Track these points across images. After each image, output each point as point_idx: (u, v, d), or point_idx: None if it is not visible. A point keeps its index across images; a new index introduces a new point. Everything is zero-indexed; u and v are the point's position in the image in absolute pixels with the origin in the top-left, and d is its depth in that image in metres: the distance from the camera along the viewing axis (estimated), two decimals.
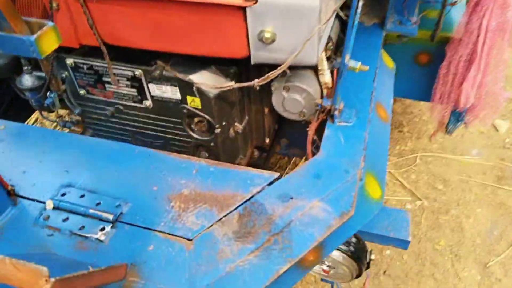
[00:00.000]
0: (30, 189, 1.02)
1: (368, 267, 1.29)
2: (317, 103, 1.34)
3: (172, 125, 1.40)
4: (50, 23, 0.76)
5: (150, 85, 1.29)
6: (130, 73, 1.28)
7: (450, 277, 2.09)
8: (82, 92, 1.40)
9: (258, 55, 1.09)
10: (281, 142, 1.76)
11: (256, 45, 1.05)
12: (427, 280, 2.08)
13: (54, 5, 1.12)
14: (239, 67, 1.27)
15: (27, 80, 1.49)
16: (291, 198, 0.98)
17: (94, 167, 1.07)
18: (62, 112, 1.88)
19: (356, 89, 1.28)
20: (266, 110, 1.50)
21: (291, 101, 1.35)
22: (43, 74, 1.37)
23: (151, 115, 1.39)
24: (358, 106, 1.23)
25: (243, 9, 0.98)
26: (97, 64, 1.29)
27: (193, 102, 1.29)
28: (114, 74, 1.26)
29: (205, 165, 1.06)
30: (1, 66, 1.48)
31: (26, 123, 1.94)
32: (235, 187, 1.00)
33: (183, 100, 1.30)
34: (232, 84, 1.15)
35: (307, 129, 1.36)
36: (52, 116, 1.73)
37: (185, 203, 0.97)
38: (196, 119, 1.37)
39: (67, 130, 1.57)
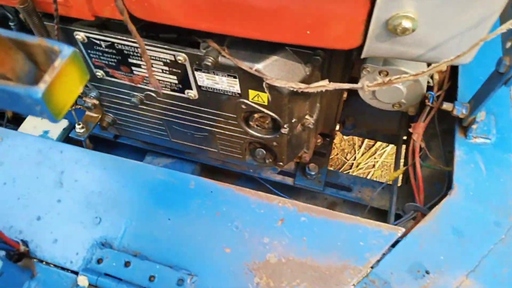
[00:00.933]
0: (51, 248, 0.73)
1: None
2: (425, 95, 0.98)
3: (222, 119, 1.05)
4: (66, 50, 0.39)
5: (197, 73, 0.92)
6: (168, 57, 0.90)
7: None
8: (99, 73, 1.03)
9: (377, 48, 0.71)
10: (346, 121, 1.42)
11: (379, 34, 0.68)
12: None
13: None
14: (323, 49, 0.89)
15: None
16: (427, 273, 0.69)
17: (137, 212, 0.76)
18: None
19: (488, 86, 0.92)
20: (345, 95, 1.14)
21: (389, 89, 0.99)
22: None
23: (195, 107, 1.04)
24: (495, 112, 0.87)
25: None
26: (122, 42, 0.90)
27: (257, 97, 0.93)
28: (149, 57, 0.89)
29: (293, 212, 0.75)
30: None
31: None
32: (343, 252, 0.71)
33: (243, 95, 0.94)
34: (324, 85, 0.79)
35: (410, 130, 1.02)
36: None
37: (275, 279, 0.68)
38: (256, 115, 1.03)
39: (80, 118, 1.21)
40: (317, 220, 0.74)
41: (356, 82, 1.01)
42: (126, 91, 1.06)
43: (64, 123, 1.39)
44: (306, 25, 0.69)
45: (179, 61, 0.89)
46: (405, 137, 1.33)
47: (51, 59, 0.42)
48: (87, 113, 1.19)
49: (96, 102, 1.14)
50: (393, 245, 0.73)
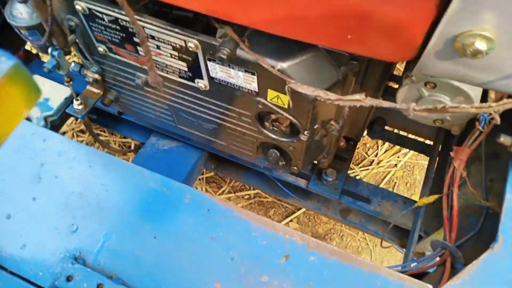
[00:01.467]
0: (18, 254, 0.63)
1: None
2: (476, 116, 0.83)
3: (235, 114, 0.92)
4: (2, 61, 0.27)
5: (210, 63, 0.78)
6: (178, 42, 0.76)
7: None
8: (101, 48, 0.90)
9: (434, 66, 0.56)
10: (375, 124, 1.27)
11: (440, 51, 0.53)
12: None
13: None
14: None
15: (20, 13, 0.99)
16: None
17: (120, 223, 0.66)
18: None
19: None
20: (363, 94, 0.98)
21: (433, 103, 0.84)
22: None
23: (205, 98, 0.91)
24: None
25: None
26: (125, 18, 0.77)
27: (277, 99, 0.80)
28: (148, 37, 0.76)
29: (301, 249, 0.63)
30: None
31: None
32: None
33: (261, 93, 0.80)
34: (359, 99, 0.65)
35: (452, 154, 0.87)
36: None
37: None
38: (273, 116, 0.89)
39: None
40: (329, 263, 0.62)
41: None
42: (130, 70, 0.94)
43: (67, 91, 1.28)
44: (348, 27, 0.55)
45: (190, 48, 0.75)
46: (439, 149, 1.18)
47: None
48: (88, 87, 1.08)
49: (98, 77, 1.02)
50: None
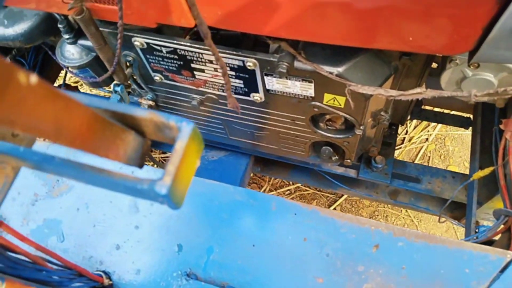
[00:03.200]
0: (135, 279, 0.70)
1: None
2: None
3: (289, 120, 0.98)
4: (185, 127, 0.33)
5: (267, 77, 0.84)
6: (237, 63, 0.82)
7: None
8: (157, 77, 0.96)
9: (493, 55, 0.61)
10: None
11: (500, 41, 0.57)
12: None
13: None
14: None
15: (72, 54, 1.06)
16: None
17: (219, 237, 0.72)
18: None
19: None
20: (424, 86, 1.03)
21: (477, 82, 0.88)
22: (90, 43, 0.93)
23: (260, 109, 0.97)
24: None
25: None
26: (185, 47, 0.83)
27: (334, 101, 0.85)
28: (218, 63, 0.82)
29: (389, 237, 0.69)
30: (30, 30, 1.03)
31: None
32: (448, 281, 0.65)
33: (317, 98, 0.86)
34: (421, 92, 0.70)
35: (500, 126, 0.92)
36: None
37: None
38: (327, 116, 0.95)
39: None
40: (417, 246, 0.68)
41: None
42: (186, 93, 1.00)
43: None
44: (410, 31, 0.60)
45: (249, 67, 0.81)
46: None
47: (162, 131, 0.36)
48: None
49: (152, 103, 1.09)
50: (502, 271, 0.66)
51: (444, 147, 2.14)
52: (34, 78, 0.19)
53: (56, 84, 1.61)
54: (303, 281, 0.67)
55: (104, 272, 0.71)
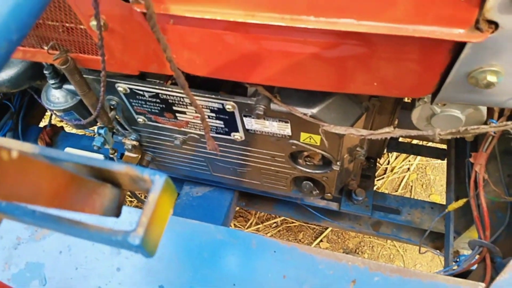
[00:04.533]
0: None
1: None
2: (486, 122, 0.92)
3: (269, 157, 1.01)
4: (158, 180, 0.36)
5: (246, 118, 0.88)
6: (216, 105, 0.86)
7: None
8: (140, 119, 0.99)
9: (452, 97, 0.66)
10: (391, 139, 1.36)
11: (456, 85, 0.62)
12: None
13: (102, 23, 0.67)
14: None
15: (57, 98, 1.09)
16: None
17: (201, 277, 0.73)
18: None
19: None
20: (396, 122, 1.08)
21: (445, 118, 0.93)
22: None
23: (241, 147, 1.00)
24: None
25: (459, 44, 0.54)
26: (167, 92, 0.86)
27: (310, 139, 0.89)
28: (197, 106, 0.85)
29: (365, 272, 0.71)
30: (17, 76, 1.06)
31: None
32: None
33: (294, 136, 0.89)
34: (389, 131, 0.74)
35: (470, 159, 0.96)
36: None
37: None
38: (305, 153, 0.98)
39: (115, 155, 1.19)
40: (392, 280, 0.70)
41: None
42: (168, 133, 1.03)
43: (100, 158, 1.37)
44: (375, 78, 0.65)
45: (228, 110, 0.85)
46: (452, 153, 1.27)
47: (137, 183, 0.38)
48: (126, 153, 1.16)
49: (136, 143, 1.12)
50: None
51: (426, 176, 2.19)
52: (15, 153, 0.22)
53: (41, 125, 1.63)
54: None
55: None
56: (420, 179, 2.19)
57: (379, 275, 0.70)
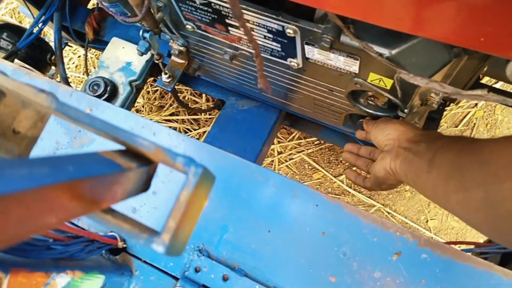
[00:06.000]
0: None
1: None
2: None
3: (326, 89, 0.90)
4: (193, 171, 0.28)
5: (308, 46, 0.75)
6: (275, 27, 0.73)
7: None
8: (189, 26, 0.88)
9: None
10: None
11: None
12: None
13: None
14: None
15: None
16: None
17: (234, 217, 0.70)
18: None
19: None
20: (485, 69, 0.90)
21: None
22: None
23: (296, 73, 0.89)
24: None
25: None
26: (219, 3, 0.74)
27: (380, 81, 0.76)
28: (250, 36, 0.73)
29: (413, 246, 0.64)
30: None
31: None
32: None
33: (362, 75, 0.77)
34: (482, 95, 0.60)
35: None
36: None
37: None
38: (370, 93, 0.86)
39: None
40: (441, 261, 0.63)
41: None
42: (218, 45, 0.92)
43: (148, 55, 1.29)
44: (484, 32, 0.49)
45: (288, 34, 0.72)
46: None
47: (167, 162, 0.31)
48: (173, 58, 1.08)
49: (183, 49, 1.02)
50: None
51: (493, 116, 1.98)
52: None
53: (90, 6, 1.54)
54: (315, 276, 0.65)
55: (119, 235, 0.71)
56: (486, 117, 1.98)
57: (428, 252, 0.64)
